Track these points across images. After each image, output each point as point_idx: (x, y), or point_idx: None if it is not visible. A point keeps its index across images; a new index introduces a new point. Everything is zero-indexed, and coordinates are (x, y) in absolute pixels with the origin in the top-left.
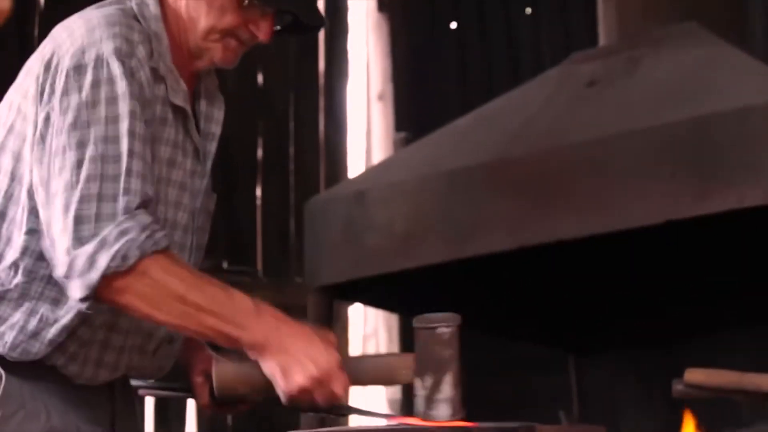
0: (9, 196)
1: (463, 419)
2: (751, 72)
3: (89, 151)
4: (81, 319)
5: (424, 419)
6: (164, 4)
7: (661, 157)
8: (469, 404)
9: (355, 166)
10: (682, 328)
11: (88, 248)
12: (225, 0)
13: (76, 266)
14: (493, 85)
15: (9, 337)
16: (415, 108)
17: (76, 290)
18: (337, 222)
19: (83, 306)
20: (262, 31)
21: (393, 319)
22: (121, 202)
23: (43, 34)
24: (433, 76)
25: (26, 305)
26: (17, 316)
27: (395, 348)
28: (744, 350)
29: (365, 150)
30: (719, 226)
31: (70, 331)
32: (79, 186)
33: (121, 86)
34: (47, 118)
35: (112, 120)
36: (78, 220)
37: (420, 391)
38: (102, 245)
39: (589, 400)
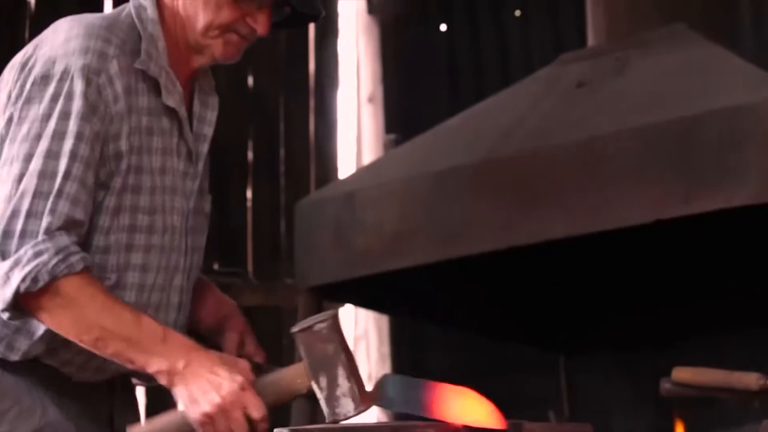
0: None
1: (366, 410)
2: (738, 73)
3: (31, 165)
4: None
5: (333, 420)
6: (162, 6)
7: (650, 157)
8: None
9: (345, 168)
10: (673, 329)
11: (5, 265)
12: None
13: None
14: (483, 87)
15: None
16: (405, 110)
17: None
18: (327, 223)
19: (5, 316)
20: (260, 24)
21: (383, 320)
22: (44, 221)
23: (34, 37)
24: (423, 79)
25: None
26: None
27: (386, 349)
28: (735, 352)
29: (355, 152)
30: (708, 226)
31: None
32: (13, 201)
33: (77, 105)
34: (10, 121)
35: (59, 136)
36: (5, 234)
37: (319, 393)
38: (16, 264)
39: (580, 401)
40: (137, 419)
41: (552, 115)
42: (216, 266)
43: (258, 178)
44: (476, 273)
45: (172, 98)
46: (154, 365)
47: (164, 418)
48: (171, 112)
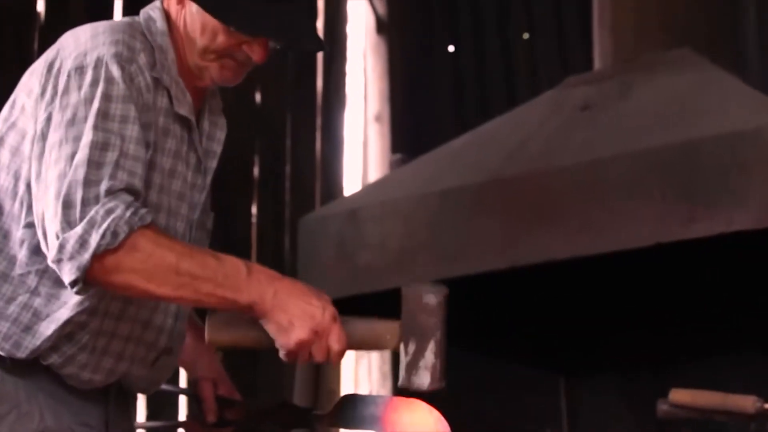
0: (7, 190)
1: (441, 389)
2: (742, 97)
3: (83, 141)
4: (75, 316)
5: (405, 386)
6: (170, 21)
7: (652, 180)
8: (459, 423)
9: (350, 187)
10: (673, 351)
11: (78, 230)
12: (216, 24)
13: (67, 249)
14: (489, 108)
15: (3, 327)
16: (411, 130)
17: (68, 273)
18: (331, 239)
19: (74, 290)
20: (256, 53)
21: None
22: (104, 185)
23: (43, 50)
24: (430, 99)
25: (20, 298)
26: (11, 308)
27: (387, 368)
28: (734, 375)
29: (361, 171)
30: (709, 250)
31: (67, 330)
32: (69, 174)
33: (118, 88)
34: (49, 118)
35: (104, 115)
36: (66, 205)
37: (403, 356)
38: (91, 225)
39: (579, 422)
40: (132, 426)
41: (556, 137)
42: None
43: (263, 194)
44: (478, 292)
45: (183, 108)
46: (245, 298)
47: (245, 321)
48: (182, 121)
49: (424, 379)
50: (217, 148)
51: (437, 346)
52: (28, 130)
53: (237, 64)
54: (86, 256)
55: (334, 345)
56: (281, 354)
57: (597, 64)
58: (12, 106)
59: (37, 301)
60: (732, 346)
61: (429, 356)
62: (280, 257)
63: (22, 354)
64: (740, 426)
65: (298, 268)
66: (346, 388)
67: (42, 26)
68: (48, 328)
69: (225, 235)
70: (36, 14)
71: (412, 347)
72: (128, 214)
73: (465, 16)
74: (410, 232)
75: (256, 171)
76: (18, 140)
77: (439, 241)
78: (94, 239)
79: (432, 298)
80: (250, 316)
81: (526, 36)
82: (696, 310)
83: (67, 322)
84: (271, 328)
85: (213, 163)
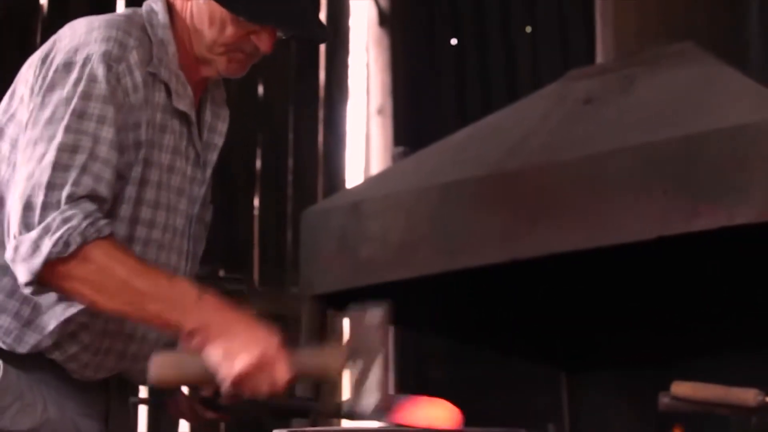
0: (8, 182)
1: (389, 407)
2: (744, 91)
3: (53, 143)
4: (78, 313)
5: (350, 409)
6: (173, 13)
7: (654, 174)
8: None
9: (353, 180)
10: (676, 347)
11: (33, 234)
12: (225, 16)
13: (20, 251)
14: (491, 101)
15: (4, 321)
16: (414, 123)
17: (21, 275)
18: (333, 232)
19: (28, 291)
20: (264, 43)
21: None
22: (66, 190)
23: (46, 42)
24: (432, 92)
25: (20, 292)
26: (12, 302)
27: (389, 358)
28: (738, 371)
29: (364, 163)
30: (711, 245)
31: (67, 328)
32: (35, 175)
33: (99, 88)
34: (33, 110)
35: (81, 116)
36: (27, 207)
37: (350, 377)
38: (45, 232)
39: (581, 418)
40: (132, 418)
41: (558, 131)
42: (221, 273)
43: (265, 187)
44: (480, 286)
45: (183, 102)
46: (191, 323)
47: (188, 358)
48: (181, 116)
49: (371, 399)
50: (219, 140)
51: (382, 363)
52: (23, 121)
53: (245, 56)
54: (37, 261)
55: (279, 375)
56: (224, 387)
57: (599, 57)
58: (11, 97)
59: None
60: (734, 342)
61: (376, 373)
62: (282, 250)
63: (23, 349)
64: (741, 419)
65: (300, 261)
66: (347, 381)
67: (44, 19)
68: (49, 323)
69: (227, 228)
70: (39, 8)
71: (358, 366)
72: (84, 224)
73: (467, 9)
74: (412, 226)
75: (258, 164)
76: (17, 132)
77: (441, 235)
78: (46, 246)
79: (374, 316)
80: (192, 348)
81: (528, 29)
82: (698, 306)
83: (69, 321)
84: (214, 358)
85: (213, 156)
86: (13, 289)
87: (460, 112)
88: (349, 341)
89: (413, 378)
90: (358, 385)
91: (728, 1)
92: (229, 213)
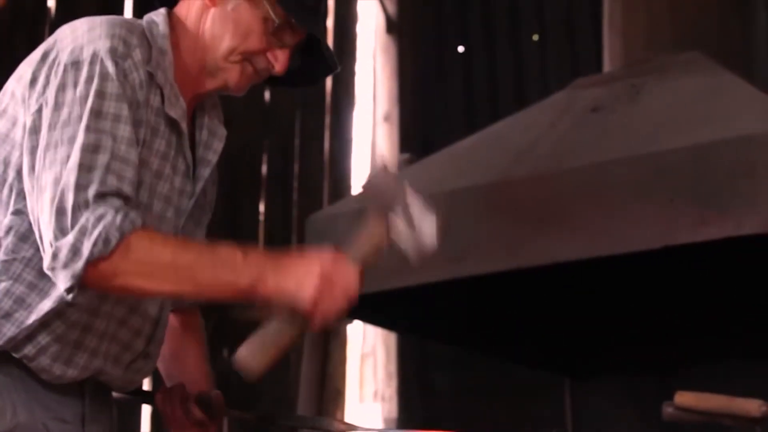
0: None
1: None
2: (752, 101)
3: (75, 144)
4: (57, 306)
5: (417, 251)
6: (175, 25)
7: (661, 182)
8: (466, 425)
9: (358, 186)
10: (679, 355)
11: (69, 238)
12: (253, 23)
13: (60, 258)
14: (498, 109)
15: None
16: (420, 130)
17: (62, 281)
18: (338, 238)
19: (69, 297)
20: (279, 62)
21: (391, 337)
22: (93, 189)
23: None
24: (439, 99)
25: (3, 285)
26: None
27: (393, 367)
28: (741, 381)
29: (369, 170)
30: (716, 255)
31: (44, 320)
32: (63, 178)
33: (112, 86)
34: (40, 110)
35: (97, 114)
36: (59, 212)
37: (400, 227)
38: (82, 233)
39: (584, 425)
40: (109, 423)
41: (565, 139)
42: None
43: (271, 193)
44: (485, 294)
45: (174, 111)
46: (245, 279)
47: (267, 330)
48: (172, 123)
49: (430, 237)
50: (213, 157)
51: (415, 200)
52: (19, 117)
53: (254, 72)
54: (80, 264)
55: (348, 276)
56: (308, 321)
57: (607, 66)
58: (3, 93)
59: (20, 289)
60: (739, 351)
61: (415, 203)
62: None
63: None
64: (745, 430)
65: None
66: (351, 387)
67: (53, 22)
68: (29, 317)
69: (233, 233)
70: (47, 10)
71: (398, 213)
72: (119, 219)
73: (475, 16)
74: None
75: (264, 170)
76: (8, 127)
77: (447, 242)
78: (86, 247)
79: (379, 173)
80: (259, 302)
81: (535, 38)
82: (703, 314)
83: (48, 312)
84: (284, 297)
85: (206, 172)
86: None
87: (467, 120)
88: (372, 205)
89: (418, 385)
90: (410, 222)
91: (736, 10)
92: (234, 218)
